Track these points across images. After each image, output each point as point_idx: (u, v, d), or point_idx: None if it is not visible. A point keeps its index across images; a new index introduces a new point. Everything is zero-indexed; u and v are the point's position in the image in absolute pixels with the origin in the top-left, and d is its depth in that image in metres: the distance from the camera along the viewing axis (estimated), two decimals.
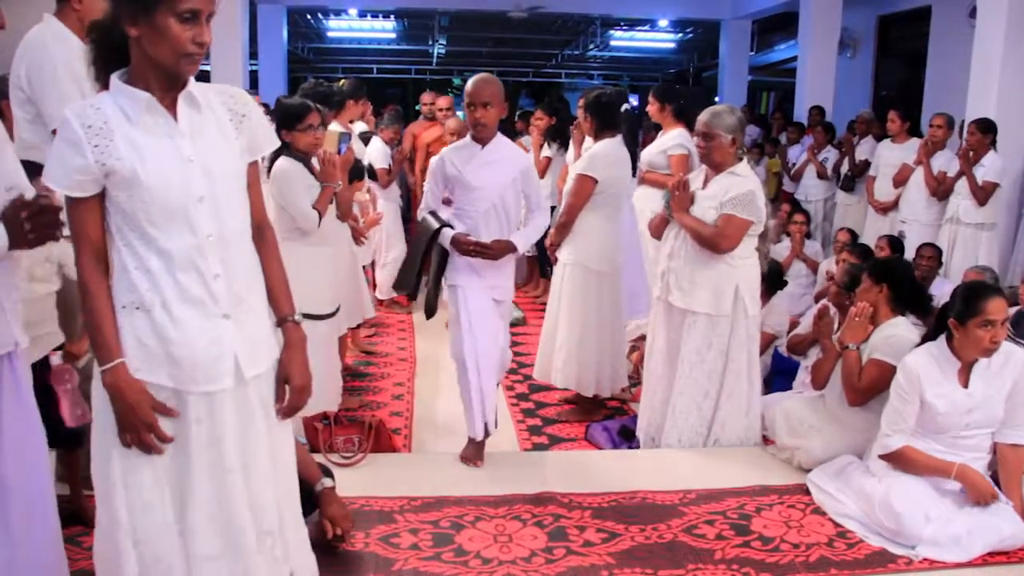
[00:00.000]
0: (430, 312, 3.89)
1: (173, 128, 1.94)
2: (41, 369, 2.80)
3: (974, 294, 3.25)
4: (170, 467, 1.98)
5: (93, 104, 1.89)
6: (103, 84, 1.95)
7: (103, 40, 1.94)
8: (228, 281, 2.00)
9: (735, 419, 4.01)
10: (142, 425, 1.92)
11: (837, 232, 6.51)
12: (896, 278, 3.81)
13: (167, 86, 1.93)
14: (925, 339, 3.45)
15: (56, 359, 2.96)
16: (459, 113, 7.02)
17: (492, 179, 3.69)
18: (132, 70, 1.92)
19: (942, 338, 3.33)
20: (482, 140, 3.71)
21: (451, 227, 3.72)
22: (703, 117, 3.93)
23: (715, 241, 3.84)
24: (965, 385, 3.26)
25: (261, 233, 2.17)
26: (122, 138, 1.87)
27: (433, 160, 3.91)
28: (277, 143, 2.28)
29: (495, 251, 3.67)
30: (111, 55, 1.93)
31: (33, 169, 2.80)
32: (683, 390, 3.97)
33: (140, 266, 1.92)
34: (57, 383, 2.90)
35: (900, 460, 3.30)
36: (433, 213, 3.80)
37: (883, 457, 3.33)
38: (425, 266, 3.84)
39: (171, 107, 1.94)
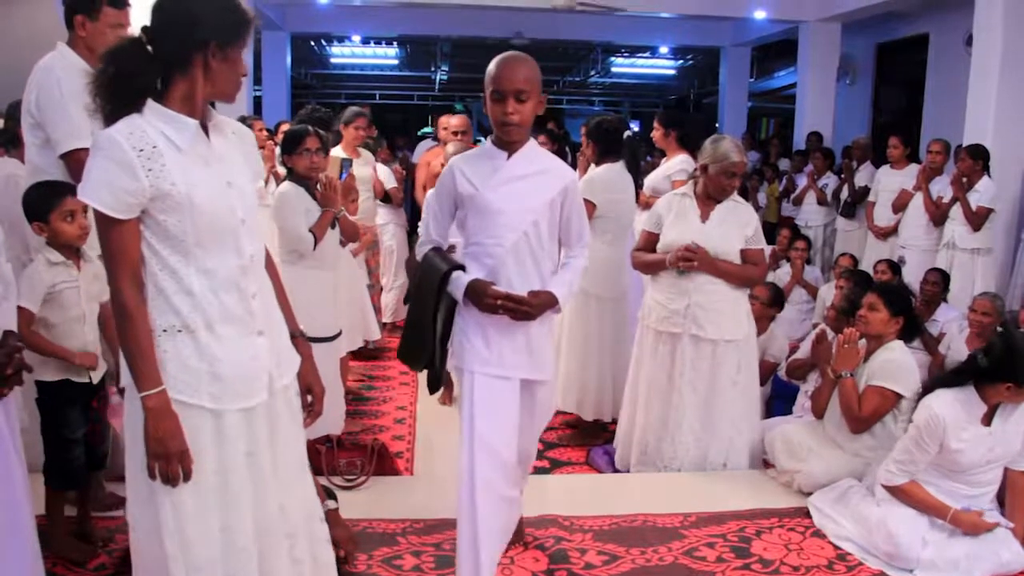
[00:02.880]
0: (434, 386, 2.89)
1: (212, 154, 2.02)
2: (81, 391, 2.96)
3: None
4: (212, 484, 2.01)
5: (136, 127, 1.91)
6: (116, 109, 1.95)
7: (129, 66, 1.95)
8: (262, 299, 2.09)
9: (760, 432, 4.15)
10: (175, 453, 1.92)
11: (839, 258, 6.54)
12: (912, 311, 3.85)
13: (204, 114, 2.02)
14: (944, 383, 3.30)
15: (117, 397, 3.06)
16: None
17: (522, 200, 2.69)
18: (174, 97, 1.96)
19: (970, 384, 3.22)
20: (510, 146, 2.70)
21: (463, 269, 2.73)
22: (743, 159, 3.89)
23: (759, 278, 4.05)
24: (987, 424, 3.22)
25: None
26: (173, 163, 1.92)
27: (441, 170, 3.07)
28: (264, 175, 2.39)
29: (534, 307, 2.67)
30: (129, 82, 1.96)
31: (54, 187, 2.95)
32: (724, 416, 4.00)
33: (181, 289, 1.96)
34: (116, 418, 3.05)
35: (901, 494, 3.29)
36: (438, 250, 2.84)
37: (885, 487, 3.34)
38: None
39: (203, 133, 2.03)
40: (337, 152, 5.11)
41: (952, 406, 3.18)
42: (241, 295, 2.03)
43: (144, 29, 1.97)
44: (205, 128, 2.03)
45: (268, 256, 2.26)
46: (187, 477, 1.95)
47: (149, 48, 1.94)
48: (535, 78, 2.63)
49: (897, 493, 3.29)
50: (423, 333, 2.76)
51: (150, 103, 1.95)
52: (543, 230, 2.72)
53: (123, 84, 1.94)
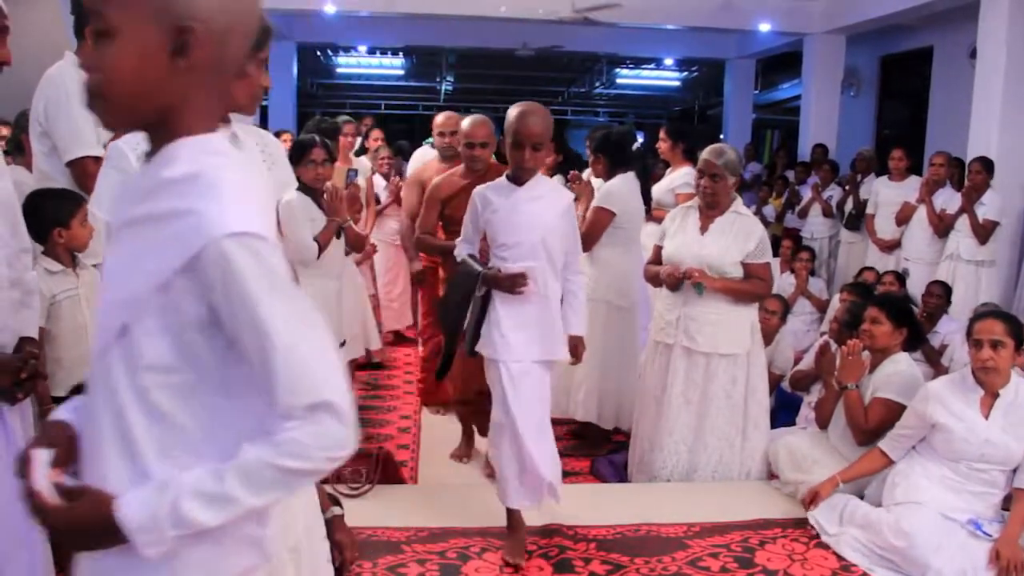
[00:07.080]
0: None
1: None
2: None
3: (974, 316, 3.47)
4: None
5: (144, 137, 1.95)
6: None
7: None
8: None
9: (763, 448, 4.08)
10: None
11: (883, 275, 6.42)
12: (914, 321, 3.88)
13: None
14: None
15: None
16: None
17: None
18: None
19: (968, 367, 3.39)
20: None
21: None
22: (710, 157, 3.88)
23: (763, 293, 4.01)
24: (986, 416, 3.28)
25: None
26: None
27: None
28: (295, 184, 2.37)
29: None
30: None
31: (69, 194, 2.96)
32: (715, 429, 3.99)
33: None
34: None
35: (868, 454, 3.58)
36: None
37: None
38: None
39: None
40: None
41: (946, 385, 3.43)
42: None
43: None
44: None
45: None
46: None
47: None
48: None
49: (867, 453, 3.58)
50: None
51: None
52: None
53: None
